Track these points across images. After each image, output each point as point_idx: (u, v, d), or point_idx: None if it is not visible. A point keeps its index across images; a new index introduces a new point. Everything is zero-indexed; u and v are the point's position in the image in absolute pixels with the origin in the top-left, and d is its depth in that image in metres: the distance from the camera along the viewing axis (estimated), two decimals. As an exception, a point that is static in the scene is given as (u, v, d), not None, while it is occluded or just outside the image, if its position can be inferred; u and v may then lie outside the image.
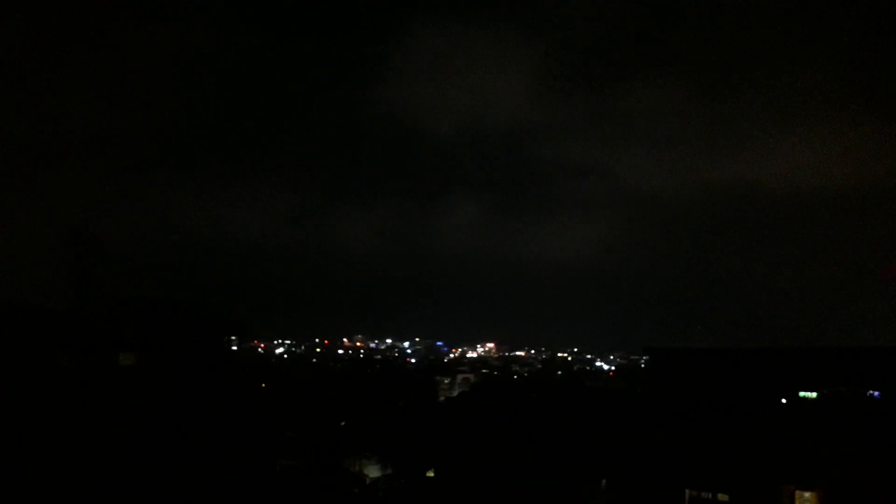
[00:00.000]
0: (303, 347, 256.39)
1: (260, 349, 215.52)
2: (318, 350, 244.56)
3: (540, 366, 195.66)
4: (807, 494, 34.82)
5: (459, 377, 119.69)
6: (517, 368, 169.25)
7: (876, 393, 70.06)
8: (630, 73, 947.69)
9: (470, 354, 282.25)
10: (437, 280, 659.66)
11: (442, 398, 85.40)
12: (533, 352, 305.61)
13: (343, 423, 54.11)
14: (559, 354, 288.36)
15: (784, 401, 63.66)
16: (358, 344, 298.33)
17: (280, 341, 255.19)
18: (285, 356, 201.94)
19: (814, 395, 69.80)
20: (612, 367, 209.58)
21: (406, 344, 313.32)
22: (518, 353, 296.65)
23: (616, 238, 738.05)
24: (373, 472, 47.55)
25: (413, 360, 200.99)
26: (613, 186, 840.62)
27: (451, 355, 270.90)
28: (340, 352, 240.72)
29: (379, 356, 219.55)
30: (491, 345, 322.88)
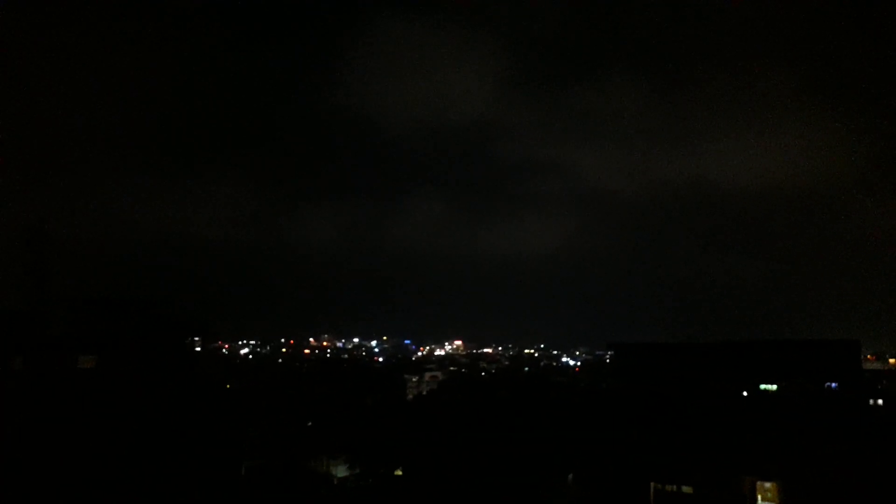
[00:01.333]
0: (268, 348, 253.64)
1: (224, 350, 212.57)
2: (283, 350, 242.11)
3: (507, 363, 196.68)
4: (767, 485, 35.57)
5: (427, 375, 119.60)
6: (485, 365, 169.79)
7: (834, 384, 71.98)
8: (590, 71, 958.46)
9: (438, 352, 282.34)
10: (403, 278, 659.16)
11: (410, 396, 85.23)
12: (500, 349, 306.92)
13: (310, 424, 53.63)
14: (526, 351, 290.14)
15: (745, 394, 65.04)
16: (324, 343, 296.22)
17: (245, 342, 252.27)
18: (250, 357, 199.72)
19: (774, 387, 71.42)
20: (578, 363, 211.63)
21: (374, 343, 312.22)
22: (486, 350, 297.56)
23: (579, 235, 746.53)
24: (340, 471, 47.22)
25: (381, 359, 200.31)
26: (574, 184, 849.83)
27: (419, 353, 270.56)
28: (307, 352, 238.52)
29: (346, 355, 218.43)
30: (458, 342, 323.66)
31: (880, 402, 74.39)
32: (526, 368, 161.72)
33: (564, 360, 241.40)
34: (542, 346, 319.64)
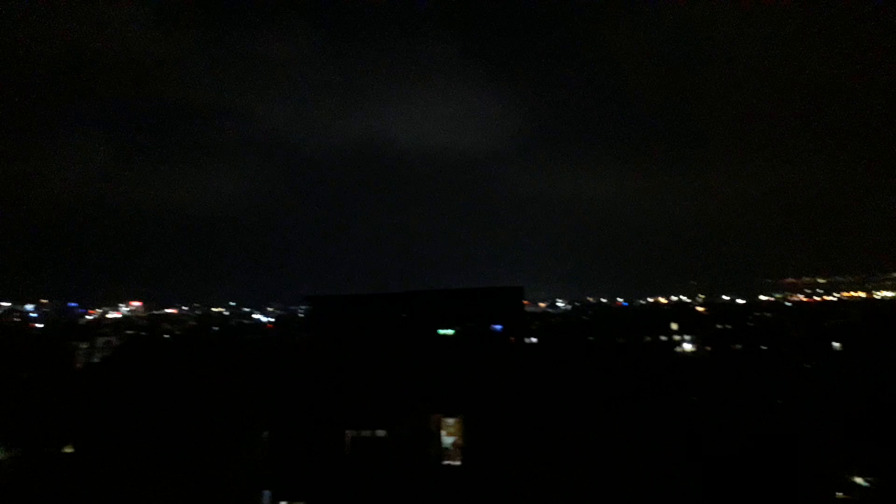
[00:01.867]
0: None
1: None
2: None
3: (194, 323, 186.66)
4: (450, 420, 38.74)
5: (100, 341, 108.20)
6: (168, 327, 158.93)
7: (498, 327, 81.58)
8: (263, 15, 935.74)
9: (113, 315, 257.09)
10: (61, 231, 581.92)
11: (80, 365, 76.26)
12: (186, 309, 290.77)
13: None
14: (215, 310, 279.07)
15: (427, 338, 70.25)
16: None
17: None
18: None
19: (451, 332, 78.57)
20: (272, 320, 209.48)
21: (30, 307, 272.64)
22: (169, 310, 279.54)
23: (261, 188, 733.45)
24: (-6, 455, 40.53)
25: (40, 326, 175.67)
26: (253, 133, 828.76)
27: (89, 317, 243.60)
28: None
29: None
30: (137, 303, 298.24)
31: (534, 340, 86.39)
32: (215, 328, 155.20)
33: (256, 317, 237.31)
34: (232, 304, 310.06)
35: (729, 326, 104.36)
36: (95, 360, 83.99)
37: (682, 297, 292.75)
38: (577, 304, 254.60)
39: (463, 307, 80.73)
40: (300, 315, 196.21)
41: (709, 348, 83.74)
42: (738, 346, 74.50)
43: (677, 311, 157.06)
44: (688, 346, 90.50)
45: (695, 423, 34.57)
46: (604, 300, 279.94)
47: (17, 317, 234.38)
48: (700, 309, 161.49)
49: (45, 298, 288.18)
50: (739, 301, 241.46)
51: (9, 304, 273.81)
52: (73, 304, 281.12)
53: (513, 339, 77.86)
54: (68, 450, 39.71)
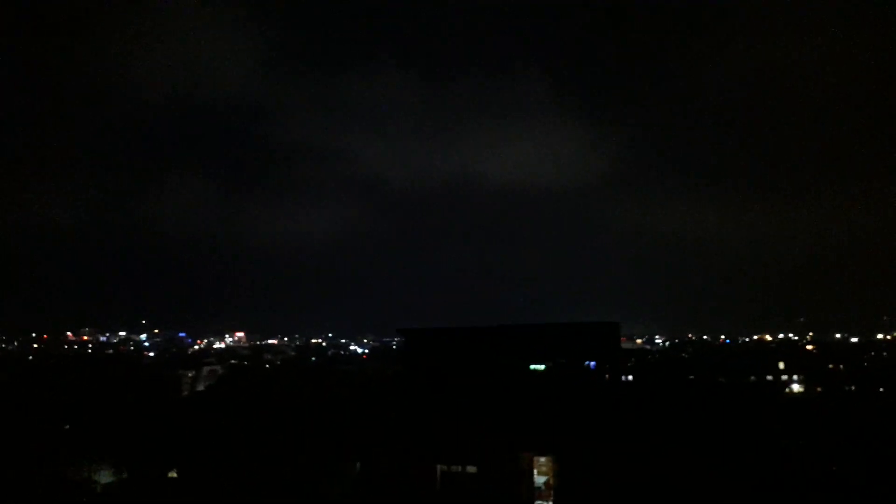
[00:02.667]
0: (15, 344, 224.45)
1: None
2: (35, 346, 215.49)
3: (293, 353, 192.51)
4: (542, 459, 37.93)
5: (205, 370, 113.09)
6: (269, 357, 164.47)
7: (592, 363, 79.54)
8: (358, 59, 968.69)
9: (218, 345, 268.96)
10: (174, 266, 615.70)
11: (186, 393, 79.94)
12: (286, 339, 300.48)
13: (67, 427, 47.86)
14: (313, 340, 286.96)
15: (519, 374, 69.31)
16: (85, 338, 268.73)
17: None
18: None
19: (542, 367, 77.26)
20: (366, 351, 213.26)
21: (143, 336, 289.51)
22: (271, 341, 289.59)
23: (356, 223, 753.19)
24: (105, 477, 42.87)
25: (152, 354, 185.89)
26: (349, 171, 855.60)
27: (196, 347, 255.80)
28: (65, 347, 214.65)
29: (111, 350, 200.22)
30: (240, 334, 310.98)
31: (630, 377, 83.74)
32: (313, 358, 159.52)
33: (353, 348, 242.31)
34: (329, 335, 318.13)
35: (842, 366, 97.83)
36: (200, 387, 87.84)
37: (789, 334, 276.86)
38: (676, 340, 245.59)
39: (556, 342, 79.05)
40: (394, 346, 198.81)
41: (819, 389, 78.70)
42: (852, 388, 69.64)
43: (784, 349, 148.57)
44: (796, 387, 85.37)
45: (803, 470, 32.35)
46: (705, 337, 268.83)
47: (131, 345, 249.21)
48: (809, 347, 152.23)
49: (157, 328, 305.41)
50: (853, 339, 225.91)
51: (124, 333, 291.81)
52: (182, 335, 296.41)
53: (608, 376, 75.68)
54: (173, 474, 41.49)
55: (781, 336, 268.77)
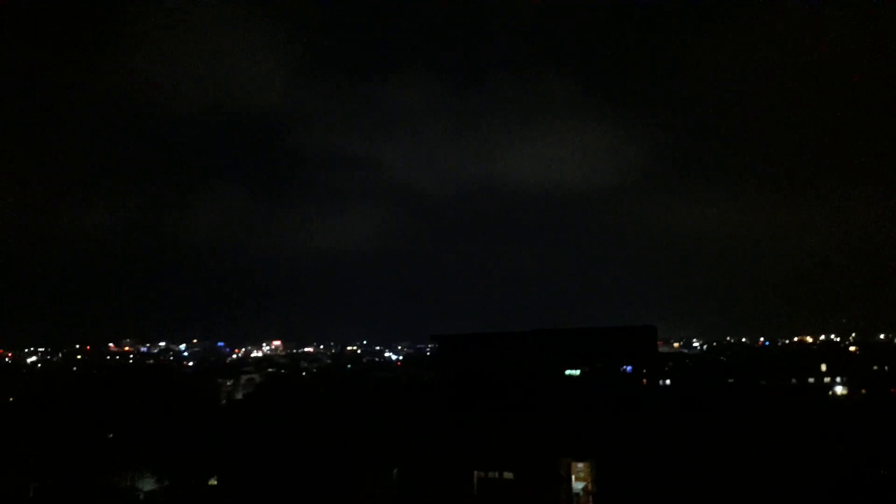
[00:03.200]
0: (60, 355, 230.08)
1: (7, 359, 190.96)
2: (79, 357, 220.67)
3: (329, 361, 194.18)
4: (580, 465, 37.62)
5: (243, 378, 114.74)
6: (306, 365, 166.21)
7: (628, 368, 78.62)
8: (386, 68, 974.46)
9: (255, 354, 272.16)
10: (211, 276, 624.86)
11: (225, 401, 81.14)
12: (322, 347, 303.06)
13: (111, 436, 48.88)
14: (349, 348, 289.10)
15: (554, 379, 68.87)
16: (126, 349, 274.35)
17: (32, 349, 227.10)
18: (38, 365, 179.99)
19: (577, 372, 76.58)
20: (401, 357, 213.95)
21: (182, 346, 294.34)
22: (307, 349, 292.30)
23: (389, 230, 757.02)
24: (147, 485, 43.71)
25: (191, 363, 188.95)
26: (380, 179, 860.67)
27: (234, 356, 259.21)
28: (108, 358, 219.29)
29: (151, 361, 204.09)
30: (277, 342, 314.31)
31: (668, 382, 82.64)
32: (349, 365, 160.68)
33: (387, 355, 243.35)
34: (364, 342, 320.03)
35: (886, 368, 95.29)
36: (239, 396, 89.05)
37: (831, 336, 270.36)
38: (714, 343, 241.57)
39: (592, 347, 78.44)
40: (427, 353, 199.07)
41: (864, 391, 76.72)
42: (899, 390, 67.80)
43: (826, 351, 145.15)
44: (839, 389, 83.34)
45: (850, 474, 31.57)
46: (744, 340, 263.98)
47: (171, 356, 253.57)
48: (852, 349, 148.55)
49: (196, 338, 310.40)
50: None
51: (164, 344, 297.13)
52: (220, 344, 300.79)
53: (645, 380, 74.85)
54: (213, 482, 42.12)
55: (823, 337, 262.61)
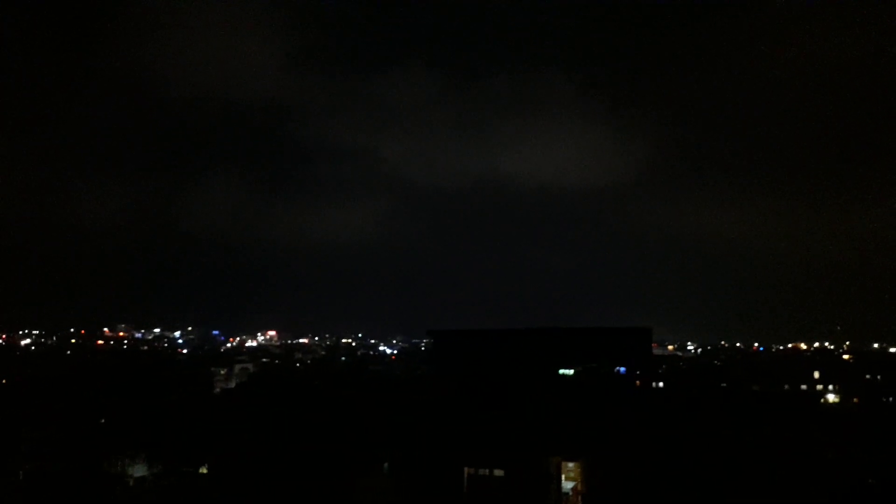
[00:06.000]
0: (54, 338, 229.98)
1: (1, 341, 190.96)
2: (73, 342, 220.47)
3: (324, 353, 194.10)
4: (571, 465, 37.69)
5: (237, 367, 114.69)
6: (300, 356, 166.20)
7: (622, 369, 78.76)
8: (384, 60, 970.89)
9: (250, 343, 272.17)
10: (207, 264, 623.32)
11: (218, 390, 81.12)
12: (317, 339, 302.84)
13: (103, 421, 48.94)
14: (344, 340, 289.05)
15: (548, 378, 68.98)
16: (121, 334, 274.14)
17: (26, 331, 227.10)
18: (33, 348, 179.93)
19: (571, 372, 76.70)
20: (395, 352, 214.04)
21: (177, 333, 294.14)
22: (302, 340, 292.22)
23: (387, 223, 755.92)
24: (138, 471, 43.73)
25: (185, 351, 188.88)
26: (379, 171, 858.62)
27: (229, 345, 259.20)
28: (101, 343, 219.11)
29: (146, 347, 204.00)
30: (272, 333, 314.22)
31: (661, 384, 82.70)
32: (343, 358, 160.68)
33: (382, 348, 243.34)
34: (359, 335, 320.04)
35: (879, 377, 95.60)
36: (232, 385, 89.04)
37: (825, 343, 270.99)
38: (708, 347, 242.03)
39: (586, 347, 78.74)
40: (422, 347, 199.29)
41: (856, 400, 77.00)
42: (890, 399, 68.06)
43: (820, 358, 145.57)
44: (832, 397, 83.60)
45: (838, 481, 31.68)
46: (738, 344, 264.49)
47: (165, 342, 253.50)
48: (846, 357, 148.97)
49: (191, 326, 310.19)
50: (892, 350, 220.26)
51: (158, 330, 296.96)
52: (215, 332, 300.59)
53: (639, 382, 74.97)
54: (203, 470, 42.14)
55: (817, 344, 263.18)
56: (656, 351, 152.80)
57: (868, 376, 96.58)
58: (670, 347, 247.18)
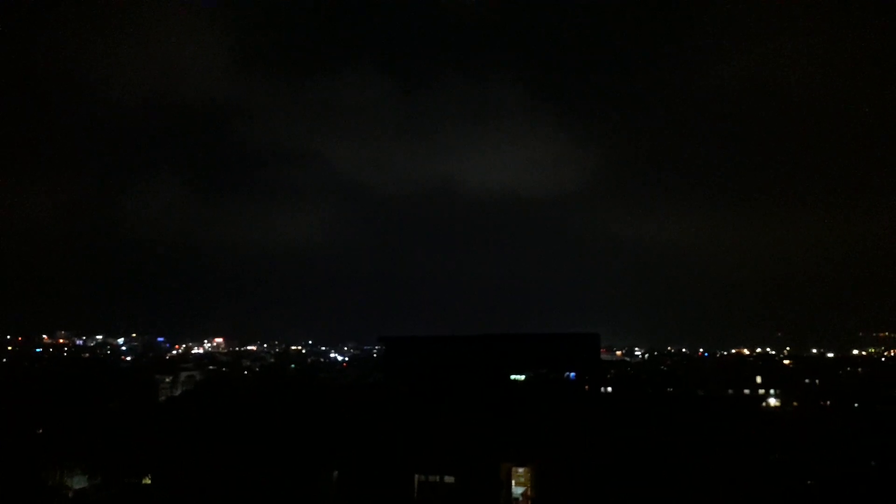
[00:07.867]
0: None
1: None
2: (9, 349, 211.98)
3: (273, 360, 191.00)
4: (521, 470, 37.93)
5: (183, 375, 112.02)
6: (248, 363, 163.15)
7: (572, 374, 79.76)
8: (332, 63, 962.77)
9: (196, 350, 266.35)
10: (150, 270, 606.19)
11: (163, 398, 79.04)
12: (265, 346, 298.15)
13: (40, 431, 47.06)
14: (293, 347, 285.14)
15: (499, 383, 69.35)
16: (61, 341, 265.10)
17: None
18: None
19: (522, 377, 77.36)
20: (346, 359, 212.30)
21: (121, 340, 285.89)
22: (250, 347, 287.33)
23: (337, 228, 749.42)
24: (77, 482, 42.20)
25: (129, 358, 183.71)
26: (327, 176, 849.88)
27: (175, 352, 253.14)
28: (39, 350, 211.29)
29: (87, 354, 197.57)
30: (219, 340, 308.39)
31: (609, 389, 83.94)
32: (293, 365, 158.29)
33: (333, 355, 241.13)
34: (310, 342, 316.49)
35: (818, 381, 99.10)
36: (178, 392, 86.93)
37: (767, 349, 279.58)
38: (655, 353, 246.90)
39: (536, 352, 79.55)
40: (374, 354, 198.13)
41: (795, 404, 79.52)
42: (828, 403, 70.50)
43: (762, 363, 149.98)
44: (773, 401, 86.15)
45: (779, 482, 32.62)
46: (684, 350, 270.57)
47: (108, 349, 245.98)
48: (786, 362, 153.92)
49: (135, 332, 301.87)
50: (829, 355, 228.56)
51: (101, 337, 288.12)
52: (160, 339, 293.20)
53: (587, 387, 76.01)
54: (147, 480, 40.95)
55: (759, 350, 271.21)
56: (605, 356, 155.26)
57: (807, 381, 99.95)
58: (618, 353, 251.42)
